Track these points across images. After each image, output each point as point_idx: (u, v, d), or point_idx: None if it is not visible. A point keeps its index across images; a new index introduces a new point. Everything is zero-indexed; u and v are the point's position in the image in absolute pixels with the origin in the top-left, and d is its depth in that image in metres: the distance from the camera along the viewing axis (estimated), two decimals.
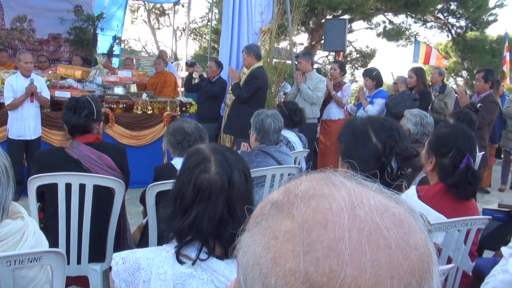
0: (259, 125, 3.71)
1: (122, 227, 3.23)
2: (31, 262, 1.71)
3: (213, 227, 1.52)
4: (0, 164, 1.68)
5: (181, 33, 24.25)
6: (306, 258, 0.57)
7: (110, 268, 3.32)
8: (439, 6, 19.96)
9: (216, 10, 16.77)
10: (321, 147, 7.80)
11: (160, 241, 3.09)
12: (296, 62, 7.90)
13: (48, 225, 3.01)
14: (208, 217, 1.51)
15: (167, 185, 2.97)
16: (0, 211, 1.68)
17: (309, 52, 8.45)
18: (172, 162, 3.20)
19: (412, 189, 2.53)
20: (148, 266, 1.51)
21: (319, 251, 0.57)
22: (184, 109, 7.66)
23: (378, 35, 22.20)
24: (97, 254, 3.12)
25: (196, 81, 8.00)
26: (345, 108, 7.76)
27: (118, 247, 3.24)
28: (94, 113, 3.12)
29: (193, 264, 1.48)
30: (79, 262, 3.05)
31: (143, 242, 3.30)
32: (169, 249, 1.55)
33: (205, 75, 7.87)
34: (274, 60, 8.32)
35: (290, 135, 4.76)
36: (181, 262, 1.49)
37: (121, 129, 7.00)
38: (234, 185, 1.56)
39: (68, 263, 2.78)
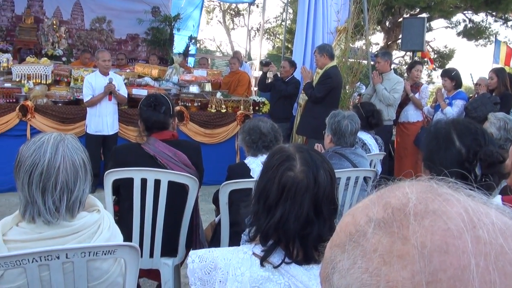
0: (335, 126, 3.62)
1: (194, 223, 3.25)
2: (105, 254, 1.73)
3: (299, 227, 1.46)
4: (78, 159, 1.71)
5: (255, 33, 24.41)
6: None
7: (182, 263, 3.38)
8: None
9: (290, 10, 16.72)
10: (397, 150, 7.56)
11: (232, 240, 3.09)
12: (374, 62, 7.71)
13: (123, 218, 3.07)
14: (294, 217, 1.46)
15: (241, 183, 2.96)
16: (77, 203, 1.72)
17: (388, 52, 8.22)
18: (245, 161, 3.18)
19: (498, 198, 2.37)
20: (225, 267, 1.48)
21: (443, 282, 0.50)
22: (257, 108, 7.68)
23: (458, 34, 21.36)
24: (169, 249, 3.15)
25: (270, 80, 8.00)
26: (422, 110, 7.50)
27: (190, 243, 3.27)
28: (171, 109, 3.17)
29: (275, 268, 1.44)
30: (151, 255, 3.10)
31: (215, 240, 3.30)
32: (246, 250, 1.51)
33: (279, 74, 7.85)
34: (350, 59, 8.16)
35: (366, 137, 4.63)
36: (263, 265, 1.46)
37: (195, 127, 7.12)
38: (320, 184, 1.50)
39: (141, 256, 2.82)
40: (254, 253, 1.50)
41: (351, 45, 8.18)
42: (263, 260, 1.45)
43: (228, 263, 1.49)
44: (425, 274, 0.50)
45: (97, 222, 1.77)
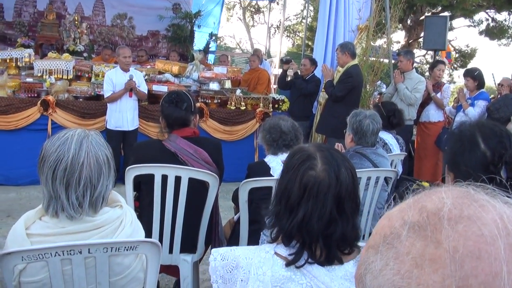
0: (357, 126, 3.59)
1: (214, 220, 3.25)
2: (127, 250, 1.74)
3: (322, 226, 1.45)
4: (102, 155, 1.72)
5: (275, 30, 24.36)
6: None
7: (200, 259, 3.39)
8: None
9: (311, 7, 16.66)
10: (417, 150, 7.49)
11: (251, 238, 3.09)
12: (396, 61, 7.64)
13: (143, 214, 3.09)
14: (317, 216, 1.45)
15: (260, 182, 2.96)
16: (100, 199, 1.74)
17: (411, 51, 8.15)
18: (265, 159, 3.17)
19: None
20: (247, 266, 1.47)
21: (474, 287, 0.49)
22: (276, 106, 7.67)
23: (480, 33, 21.08)
24: (189, 245, 3.16)
25: (289, 78, 7.98)
26: (444, 110, 7.41)
27: (209, 240, 3.28)
28: (192, 106, 3.17)
29: (297, 268, 1.43)
30: (170, 251, 3.11)
31: (234, 237, 3.31)
32: (268, 250, 1.50)
33: (299, 72, 7.82)
34: (371, 58, 8.10)
35: (387, 137, 4.58)
36: (289, 265, 1.45)
37: (215, 123, 7.13)
38: (342, 183, 1.48)
39: None
40: (276, 253, 1.49)
41: (372, 43, 8.13)
42: (291, 264, 1.44)
43: (250, 262, 1.48)
44: (456, 278, 0.50)
45: (119, 218, 1.79)
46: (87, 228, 1.71)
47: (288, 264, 1.44)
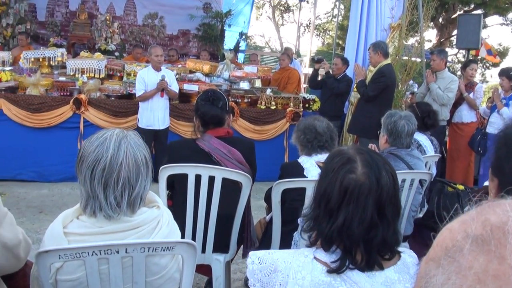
0: (391, 126, 3.53)
1: (246, 220, 3.23)
2: (164, 250, 1.74)
3: (363, 231, 1.42)
4: (140, 155, 1.72)
5: (305, 29, 24.26)
6: None
7: (232, 260, 3.38)
8: None
9: (342, 6, 16.53)
10: (450, 151, 7.36)
11: (283, 239, 3.07)
12: (428, 60, 7.52)
13: (176, 213, 3.06)
14: (358, 221, 1.42)
15: (294, 183, 2.93)
16: (138, 199, 1.74)
17: (444, 50, 7.99)
18: (299, 160, 3.14)
19: None
20: (286, 270, 1.45)
21: None
22: (307, 105, 7.63)
23: None
24: (221, 245, 3.16)
25: (320, 78, 7.93)
26: (477, 110, 7.27)
27: (241, 240, 3.26)
28: (227, 105, 3.16)
29: (339, 273, 1.40)
30: (203, 251, 3.11)
31: (266, 238, 3.29)
32: (307, 254, 1.48)
33: (331, 71, 7.76)
34: (403, 57, 7.99)
35: (422, 138, 4.50)
36: (332, 272, 1.42)
37: (245, 123, 7.13)
38: (383, 186, 1.45)
39: None
40: (315, 257, 1.46)
41: (404, 42, 8.01)
42: (334, 272, 1.41)
43: (289, 266, 1.46)
44: None
45: (156, 218, 1.78)
46: (124, 228, 1.71)
47: (331, 271, 1.41)
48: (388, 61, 6.31)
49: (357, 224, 1.42)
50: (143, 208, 1.78)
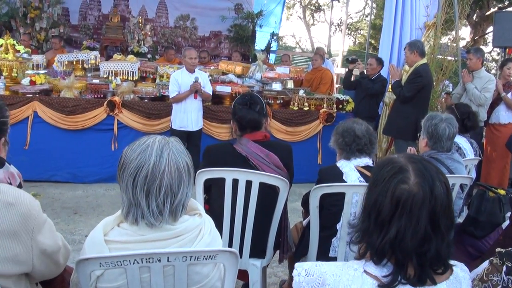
0: (432, 129, 3.44)
1: (283, 225, 3.19)
2: (206, 259, 1.71)
3: (416, 244, 1.36)
4: (183, 162, 1.70)
5: (336, 28, 24.09)
6: None
7: (268, 265, 3.33)
8: None
9: (374, 4, 16.35)
10: (486, 153, 7.16)
11: (321, 245, 3.01)
12: (464, 59, 7.34)
13: (213, 217, 3.05)
14: (411, 233, 1.36)
15: (333, 187, 2.87)
16: (180, 207, 1.71)
17: (480, 49, 7.80)
18: (338, 164, 3.06)
19: None
20: (334, 283, 1.40)
21: None
22: (340, 106, 7.52)
23: None
24: (258, 250, 3.12)
25: (353, 78, 7.83)
26: None
27: (278, 245, 3.22)
28: (264, 109, 3.12)
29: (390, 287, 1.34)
30: (240, 256, 3.07)
31: (302, 244, 3.24)
32: (357, 267, 1.42)
33: (365, 72, 7.65)
34: (438, 56, 7.82)
35: (461, 140, 4.38)
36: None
37: (278, 124, 7.08)
38: (436, 197, 1.39)
39: None
40: (365, 271, 1.41)
41: (439, 41, 7.86)
42: (386, 287, 1.35)
43: (338, 280, 1.40)
44: None
45: (198, 227, 1.76)
46: (166, 236, 1.68)
47: (382, 286, 1.35)
48: (424, 60, 6.17)
49: (410, 237, 1.36)
50: (185, 216, 1.75)
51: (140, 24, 11.06)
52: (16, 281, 1.77)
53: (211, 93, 6.65)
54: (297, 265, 1.49)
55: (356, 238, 1.49)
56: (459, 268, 1.48)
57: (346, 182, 2.90)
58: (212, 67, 8.66)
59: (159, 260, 1.64)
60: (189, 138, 6.49)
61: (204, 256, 1.70)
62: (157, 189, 1.63)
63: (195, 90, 6.29)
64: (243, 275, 3.20)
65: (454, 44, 8.20)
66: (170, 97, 6.43)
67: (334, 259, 2.98)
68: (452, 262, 1.47)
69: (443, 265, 1.41)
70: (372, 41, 16.40)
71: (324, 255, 3.01)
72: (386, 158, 1.55)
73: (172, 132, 6.43)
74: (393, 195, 1.40)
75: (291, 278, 3.68)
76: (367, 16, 20.64)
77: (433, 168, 1.45)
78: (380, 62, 7.43)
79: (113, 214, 1.77)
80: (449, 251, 1.42)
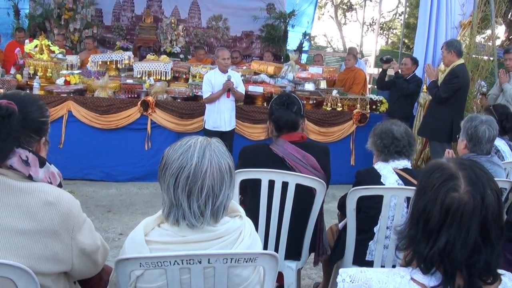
0: (472, 132, 3.36)
1: (319, 227, 3.15)
2: (246, 262, 1.70)
3: (466, 255, 1.32)
4: (225, 163, 1.69)
5: (368, 28, 23.85)
6: None
7: (302, 267, 3.30)
8: None
9: (407, 3, 16.14)
10: None
11: (357, 248, 2.97)
12: (501, 59, 7.17)
13: (249, 218, 3.05)
14: (461, 244, 1.32)
15: (371, 190, 2.83)
16: (221, 208, 1.70)
17: None
18: (375, 166, 3.02)
19: None
20: None
21: None
22: (374, 107, 7.42)
23: None
24: (293, 252, 3.10)
25: (387, 78, 7.73)
26: None
27: (313, 247, 3.19)
28: (302, 109, 3.09)
29: None
30: None
31: (338, 246, 3.20)
32: (404, 274, 1.39)
33: (399, 72, 7.54)
34: (474, 56, 7.65)
35: (500, 143, 4.26)
36: None
37: (310, 125, 7.03)
38: (488, 206, 1.34)
39: None
40: (412, 279, 1.37)
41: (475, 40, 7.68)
42: None
43: (384, 287, 1.37)
44: None
45: (239, 229, 1.75)
46: (207, 238, 1.68)
47: None
48: (461, 60, 6.05)
49: (459, 248, 1.32)
50: (225, 218, 1.74)
51: (173, 25, 11.15)
52: (55, 280, 1.78)
53: (244, 93, 6.64)
54: (341, 271, 1.46)
55: (403, 245, 1.45)
56: (507, 278, 1.43)
57: (384, 184, 2.86)
58: (244, 67, 8.66)
59: (200, 262, 1.63)
60: (222, 138, 6.38)
61: (245, 259, 1.68)
62: (199, 190, 1.63)
63: (228, 88, 6.30)
64: (278, 277, 3.18)
65: (490, 43, 8.01)
66: (204, 97, 6.45)
67: (371, 262, 2.94)
68: (500, 271, 1.42)
69: (492, 275, 1.37)
70: (406, 40, 16.17)
71: (360, 258, 2.98)
72: (435, 163, 1.50)
73: (205, 132, 6.46)
74: (442, 203, 1.36)
75: (325, 281, 3.65)
76: (400, 15, 20.37)
77: (484, 175, 1.40)
78: (415, 62, 7.31)
79: (146, 212, 1.78)
80: (498, 261, 1.37)
